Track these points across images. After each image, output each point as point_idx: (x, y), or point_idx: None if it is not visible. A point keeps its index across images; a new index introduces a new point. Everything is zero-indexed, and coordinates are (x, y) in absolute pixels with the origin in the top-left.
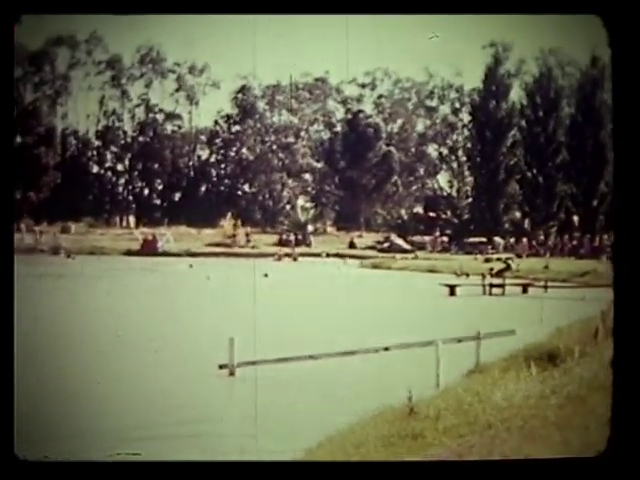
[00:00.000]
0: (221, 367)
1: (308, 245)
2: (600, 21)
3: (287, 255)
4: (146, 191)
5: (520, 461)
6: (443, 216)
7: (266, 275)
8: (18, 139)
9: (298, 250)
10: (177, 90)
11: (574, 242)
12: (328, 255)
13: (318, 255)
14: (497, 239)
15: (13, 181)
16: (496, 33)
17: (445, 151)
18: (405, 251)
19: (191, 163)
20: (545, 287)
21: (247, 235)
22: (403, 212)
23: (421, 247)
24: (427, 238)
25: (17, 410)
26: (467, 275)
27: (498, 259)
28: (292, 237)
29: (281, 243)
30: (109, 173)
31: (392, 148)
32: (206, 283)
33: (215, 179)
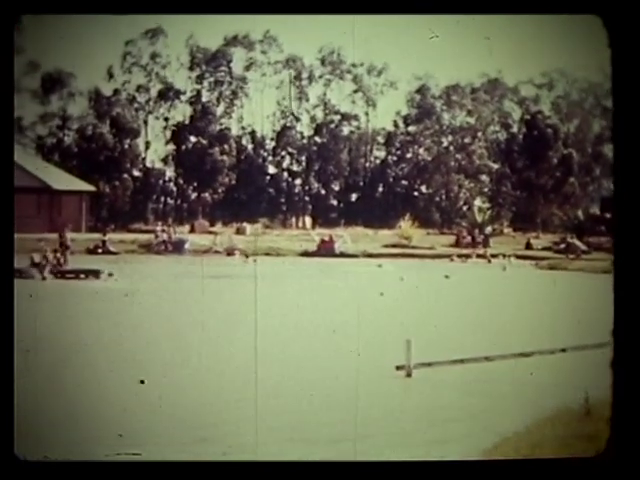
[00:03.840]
0: (398, 368)
1: (486, 246)
2: (600, 21)
3: (465, 256)
4: (322, 192)
5: (520, 461)
6: None
7: (447, 276)
8: (192, 139)
9: (476, 251)
10: (355, 91)
11: None
12: (504, 256)
13: (496, 256)
14: None
15: (12, 181)
16: None
17: None
18: (582, 252)
19: (368, 164)
20: None
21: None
22: (580, 213)
23: (598, 248)
24: (604, 239)
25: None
26: None
27: None
28: (470, 238)
29: (458, 244)
30: (285, 174)
31: (570, 149)
32: (388, 284)
33: (392, 180)
